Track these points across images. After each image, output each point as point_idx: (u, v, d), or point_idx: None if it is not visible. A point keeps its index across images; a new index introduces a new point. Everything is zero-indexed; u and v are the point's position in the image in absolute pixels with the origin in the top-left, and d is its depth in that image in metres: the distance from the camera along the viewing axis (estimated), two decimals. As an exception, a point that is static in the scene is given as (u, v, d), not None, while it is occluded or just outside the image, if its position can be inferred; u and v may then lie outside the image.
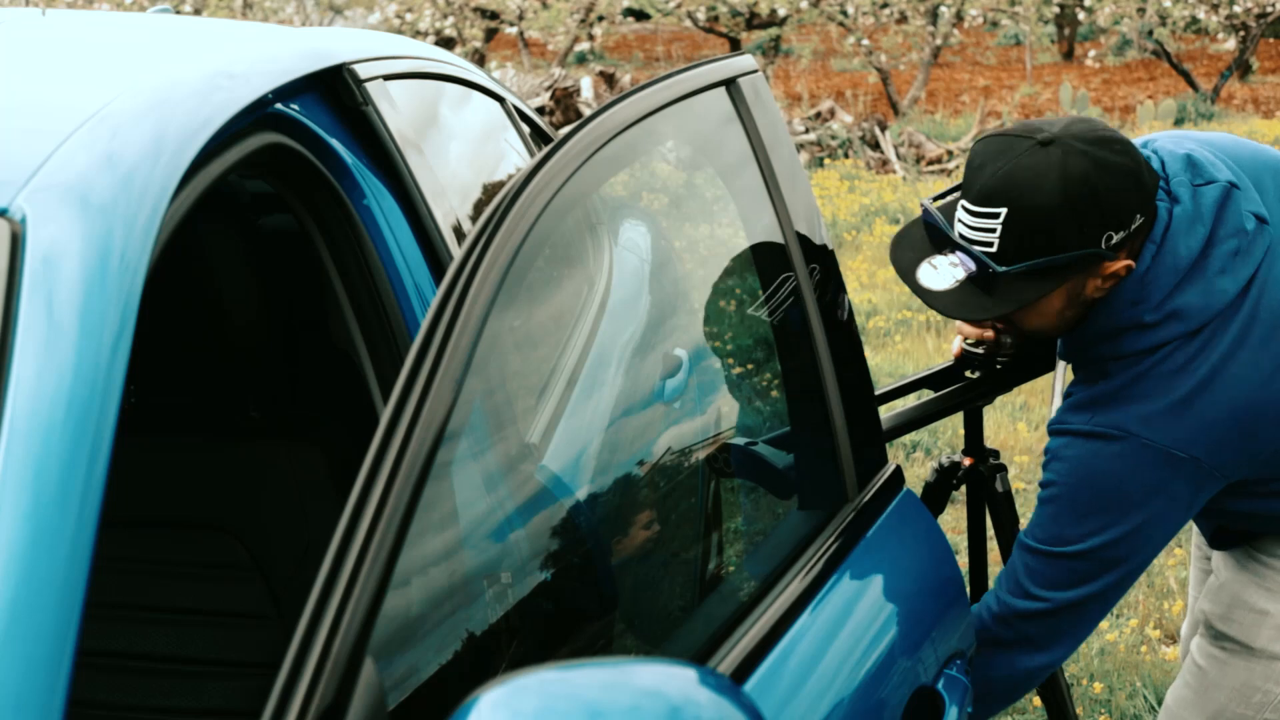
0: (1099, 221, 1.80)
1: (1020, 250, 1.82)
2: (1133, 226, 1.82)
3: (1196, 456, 1.88)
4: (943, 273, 1.92)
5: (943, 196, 2.00)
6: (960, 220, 1.88)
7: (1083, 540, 1.94)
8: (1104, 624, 3.72)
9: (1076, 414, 1.95)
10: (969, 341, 2.35)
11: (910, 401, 2.43)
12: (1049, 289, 1.85)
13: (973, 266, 1.87)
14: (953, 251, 1.90)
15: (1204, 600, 2.18)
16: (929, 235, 1.95)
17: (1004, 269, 1.84)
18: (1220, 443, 1.88)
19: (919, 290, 1.94)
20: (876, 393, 2.36)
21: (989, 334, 2.21)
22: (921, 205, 1.97)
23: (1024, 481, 4.79)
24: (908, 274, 1.95)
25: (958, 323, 2.35)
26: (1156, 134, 2.05)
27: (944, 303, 1.92)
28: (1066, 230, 1.80)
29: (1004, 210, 1.82)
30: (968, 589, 2.63)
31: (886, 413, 2.31)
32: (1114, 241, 1.81)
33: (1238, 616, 2.11)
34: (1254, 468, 1.94)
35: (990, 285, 1.86)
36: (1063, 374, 2.21)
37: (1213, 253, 1.87)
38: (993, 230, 1.83)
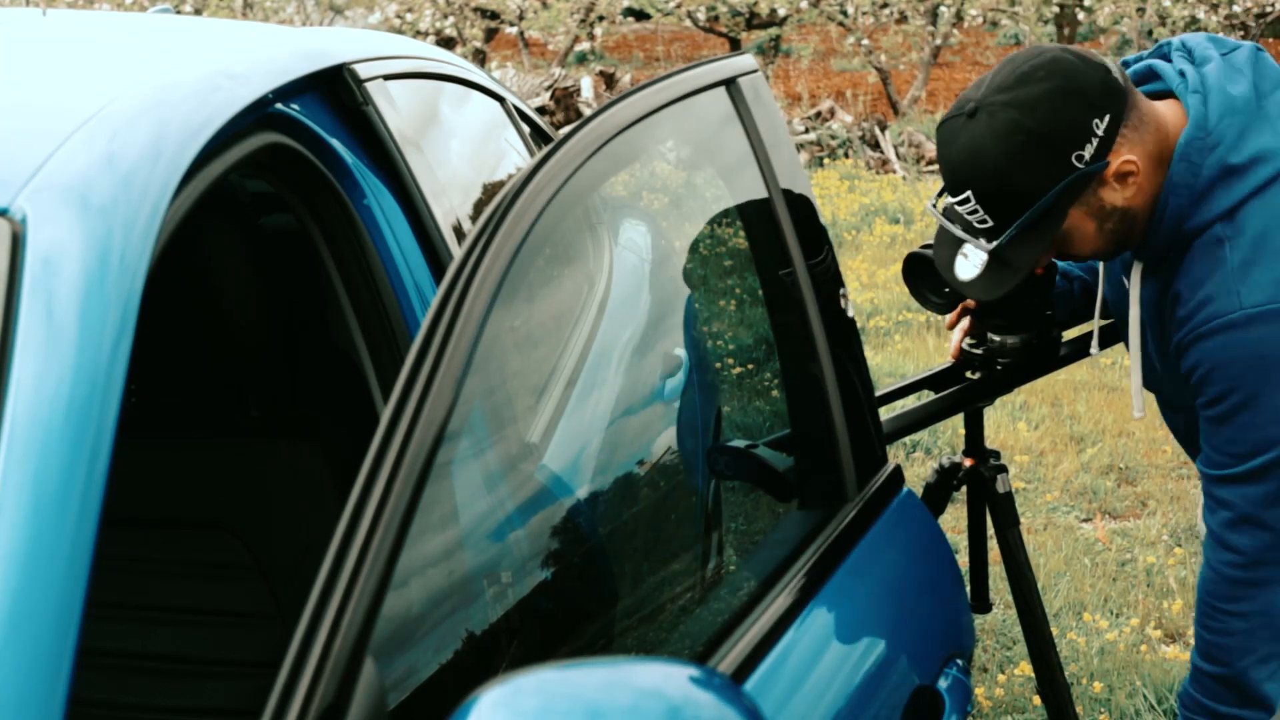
0: (1055, 153, 1.78)
1: (1006, 215, 1.82)
2: (1100, 130, 1.78)
3: None
4: (972, 259, 1.92)
5: (942, 194, 2.00)
6: (956, 211, 1.89)
7: None
8: (1104, 623, 3.72)
9: (1219, 305, 1.79)
10: (969, 342, 2.35)
11: (911, 403, 2.43)
12: (1055, 231, 1.84)
13: (986, 246, 1.87)
14: (972, 240, 1.90)
15: None
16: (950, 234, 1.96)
17: (997, 242, 1.83)
18: None
19: (958, 284, 1.94)
20: (877, 394, 2.37)
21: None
22: (930, 207, 1.97)
23: (1024, 481, 4.79)
24: (947, 270, 1.95)
25: (949, 320, 2.35)
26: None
27: (978, 290, 1.92)
28: (1030, 179, 1.79)
29: (969, 191, 1.83)
30: (968, 590, 2.63)
31: (887, 414, 2.32)
32: (1089, 155, 1.78)
33: None
34: None
35: (1004, 256, 1.86)
36: (1136, 287, 1.97)
37: (1265, 102, 1.83)
38: (975, 210, 1.84)
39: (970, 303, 2.30)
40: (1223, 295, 1.79)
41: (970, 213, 1.84)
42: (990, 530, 2.53)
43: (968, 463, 2.48)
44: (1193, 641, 1.98)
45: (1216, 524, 1.88)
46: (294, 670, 0.93)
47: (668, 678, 0.98)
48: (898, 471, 1.96)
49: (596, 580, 1.64)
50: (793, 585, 1.63)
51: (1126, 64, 2.00)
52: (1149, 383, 2.09)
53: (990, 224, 1.84)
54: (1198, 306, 1.82)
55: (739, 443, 2.02)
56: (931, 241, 2.19)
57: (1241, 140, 1.80)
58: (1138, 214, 1.86)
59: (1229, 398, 1.81)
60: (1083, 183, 1.80)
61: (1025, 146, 1.77)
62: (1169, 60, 1.94)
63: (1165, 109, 1.86)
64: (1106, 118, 1.78)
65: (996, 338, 2.31)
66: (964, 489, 2.52)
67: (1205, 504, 1.92)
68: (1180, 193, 1.82)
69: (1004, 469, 2.48)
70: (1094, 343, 2.21)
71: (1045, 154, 1.77)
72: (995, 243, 1.84)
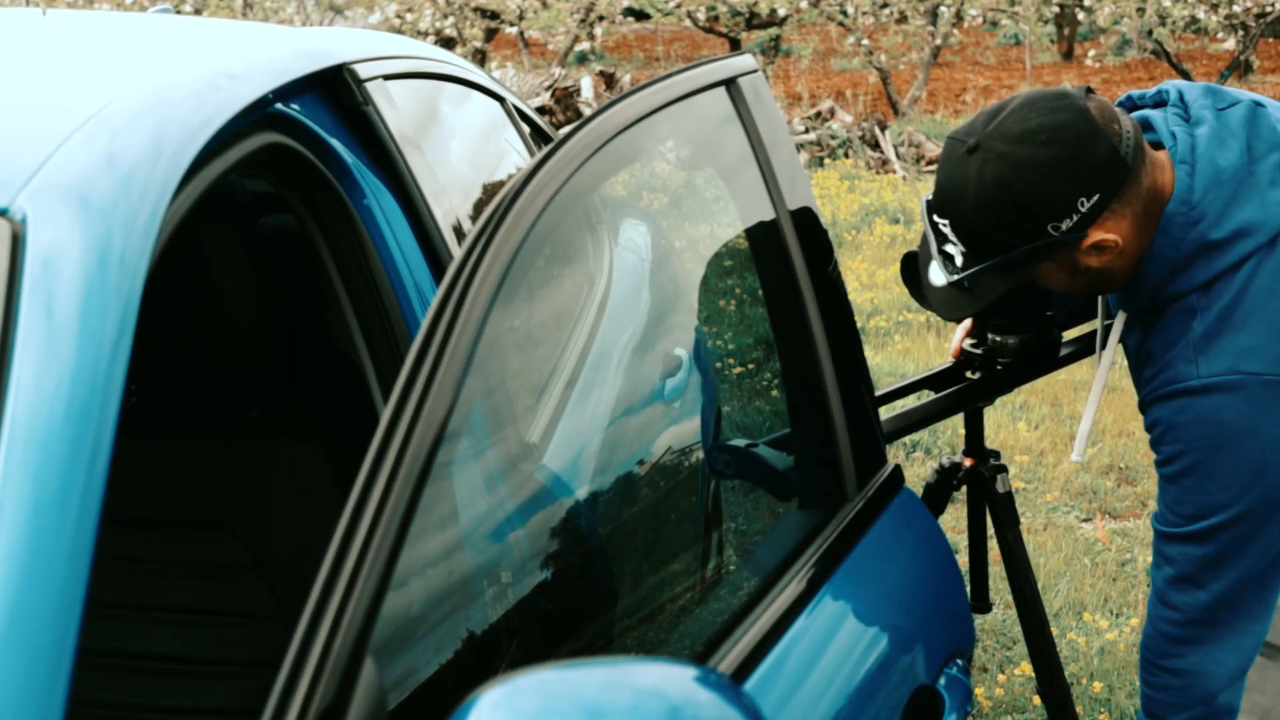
0: (1031, 219, 1.77)
1: (976, 253, 1.83)
2: (1084, 208, 1.77)
3: None
4: (937, 273, 1.93)
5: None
6: (937, 225, 1.90)
7: (1238, 500, 1.82)
8: (1104, 623, 3.72)
9: (1177, 372, 1.83)
10: (969, 342, 2.35)
11: (911, 402, 2.43)
12: (1021, 276, 1.85)
13: (948, 275, 1.88)
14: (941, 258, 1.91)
15: None
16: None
17: (955, 276, 1.85)
18: None
19: (927, 288, 1.95)
20: (877, 394, 2.37)
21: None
22: (923, 204, 1.97)
23: (1024, 481, 4.79)
24: (924, 266, 1.96)
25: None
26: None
27: (935, 301, 1.94)
28: (1001, 234, 1.79)
29: (948, 221, 1.84)
30: (967, 590, 2.63)
31: (887, 414, 2.32)
32: (1065, 228, 1.77)
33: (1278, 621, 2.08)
34: None
35: (966, 285, 1.87)
36: (1116, 333, 2.00)
37: (1257, 168, 1.82)
38: (951, 237, 1.85)
39: None
40: (1183, 363, 1.83)
41: (948, 234, 1.85)
42: (990, 530, 2.53)
43: (968, 463, 2.48)
44: None
45: (1160, 580, 1.93)
46: (294, 670, 0.93)
47: (668, 678, 0.98)
48: (898, 471, 1.96)
49: (596, 580, 1.64)
50: (793, 585, 1.63)
51: (1130, 100, 1.98)
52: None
53: (964, 251, 1.84)
54: (1160, 369, 1.86)
55: (739, 441, 2.02)
56: None
57: (1225, 214, 1.80)
58: (1114, 273, 1.87)
59: (1181, 459, 1.85)
60: (1056, 247, 1.80)
61: (1004, 205, 1.77)
62: (1164, 111, 1.91)
63: (1163, 167, 1.85)
64: (1095, 197, 1.77)
65: (997, 338, 2.31)
66: (964, 489, 2.52)
67: (1154, 558, 1.96)
68: (1160, 264, 1.83)
69: (1004, 469, 2.49)
70: (1098, 343, 2.21)
71: (1021, 217, 1.77)
72: (958, 275, 1.85)
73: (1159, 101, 1.95)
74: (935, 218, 1.87)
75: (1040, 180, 1.76)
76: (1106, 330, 2.23)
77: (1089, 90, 1.84)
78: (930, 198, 1.91)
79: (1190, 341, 1.83)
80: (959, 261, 1.85)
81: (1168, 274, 1.84)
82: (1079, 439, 2.09)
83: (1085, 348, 2.43)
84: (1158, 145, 1.88)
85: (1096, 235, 1.79)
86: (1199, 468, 1.84)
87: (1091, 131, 1.76)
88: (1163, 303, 1.87)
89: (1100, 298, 2.11)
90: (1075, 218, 1.77)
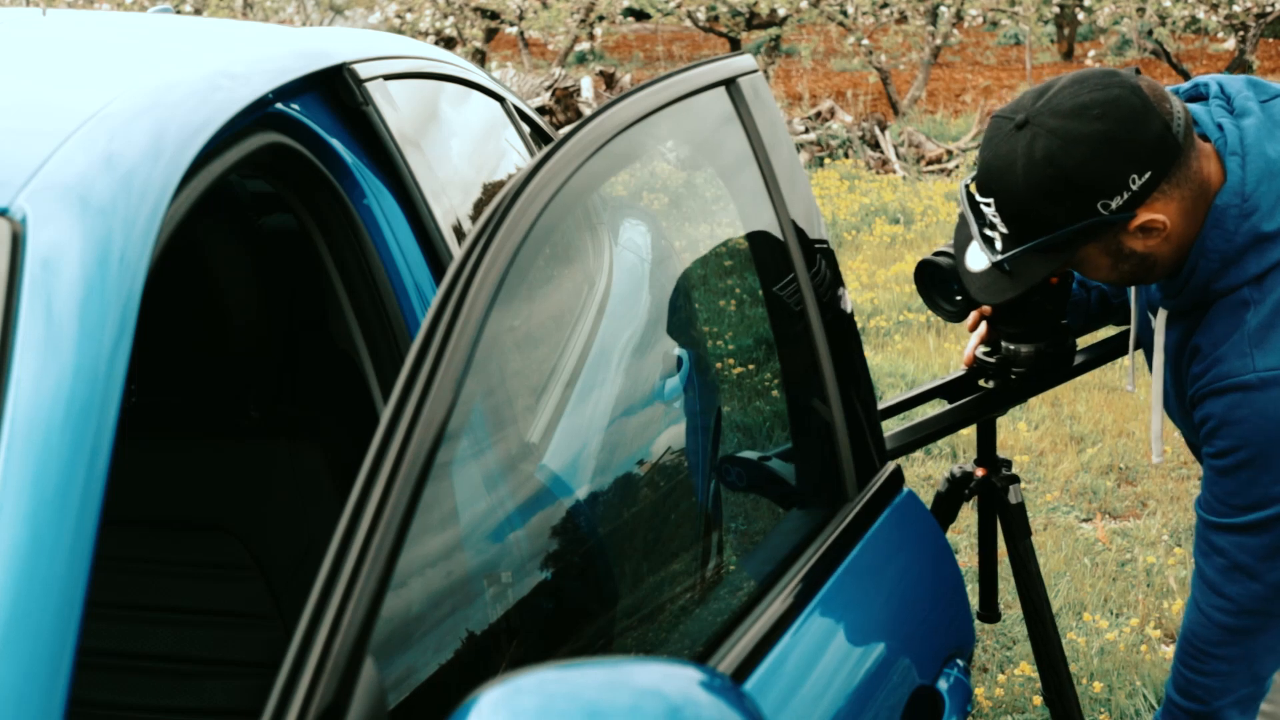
0: (1080, 196, 1.75)
1: (1020, 234, 1.81)
2: (1135, 186, 1.75)
3: None
4: (979, 258, 1.91)
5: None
6: (980, 206, 1.88)
7: None
8: (1104, 623, 3.72)
9: (1231, 366, 1.81)
10: (983, 350, 2.34)
11: (926, 411, 2.41)
12: (1066, 258, 1.83)
13: (992, 255, 1.85)
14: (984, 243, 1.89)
15: None
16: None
17: (998, 258, 1.83)
18: None
19: (964, 273, 1.93)
20: (891, 403, 2.36)
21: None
22: (961, 188, 1.95)
23: (1024, 481, 4.79)
24: (960, 252, 1.94)
25: (969, 324, 2.34)
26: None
27: (975, 286, 1.91)
28: (1048, 212, 1.77)
29: (992, 199, 1.81)
30: (977, 601, 2.63)
31: (900, 425, 2.31)
32: (1115, 206, 1.75)
33: None
34: None
35: (1008, 268, 1.85)
36: (1161, 332, 1.97)
37: None
38: (995, 217, 1.82)
39: (986, 309, 2.28)
40: (1237, 356, 1.80)
41: (991, 216, 1.83)
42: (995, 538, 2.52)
43: (980, 472, 2.47)
44: None
45: (1211, 570, 1.91)
46: (294, 670, 0.93)
47: (668, 678, 0.98)
48: (898, 472, 1.96)
49: (596, 580, 1.64)
50: (793, 585, 1.63)
51: None
52: (1168, 407, 2.08)
53: (1006, 233, 1.82)
54: (1212, 364, 1.83)
55: (750, 454, 2.01)
56: (942, 247, 2.19)
57: (1278, 206, 1.78)
58: (1158, 260, 1.84)
59: (1237, 453, 1.83)
60: (1103, 227, 1.78)
61: (1054, 180, 1.74)
62: (1206, 101, 1.90)
63: (1209, 157, 1.83)
64: (1147, 175, 1.75)
65: (1010, 346, 2.29)
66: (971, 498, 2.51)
67: (1198, 546, 1.93)
68: (1212, 257, 1.81)
69: (1016, 479, 2.46)
70: (1130, 343, 2.17)
71: (1070, 194, 1.75)
72: (1001, 256, 1.83)
73: (1196, 96, 1.93)
74: (979, 198, 1.84)
75: (1091, 156, 1.73)
76: (1133, 334, 2.22)
77: (1137, 70, 1.82)
78: (971, 179, 1.88)
79: (1244, 335, 1.80)
80: (1001, 244, 1.83)
81: (1219, 267, 1.82)
82: (1154, 440, 2.08)
83: (1099, 356, 2.42)
84: (1201, 138, 1.85)
85: (1145, 215, 1.77)
86: (1256, 461, 1.82)
87: (1144, 108, 1.74)
88: (1212, 296, 1.84)
89: (1133, 299, 2.09)
90: (1125, 195, 1.75)
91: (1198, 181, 1.79)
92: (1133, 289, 2.10)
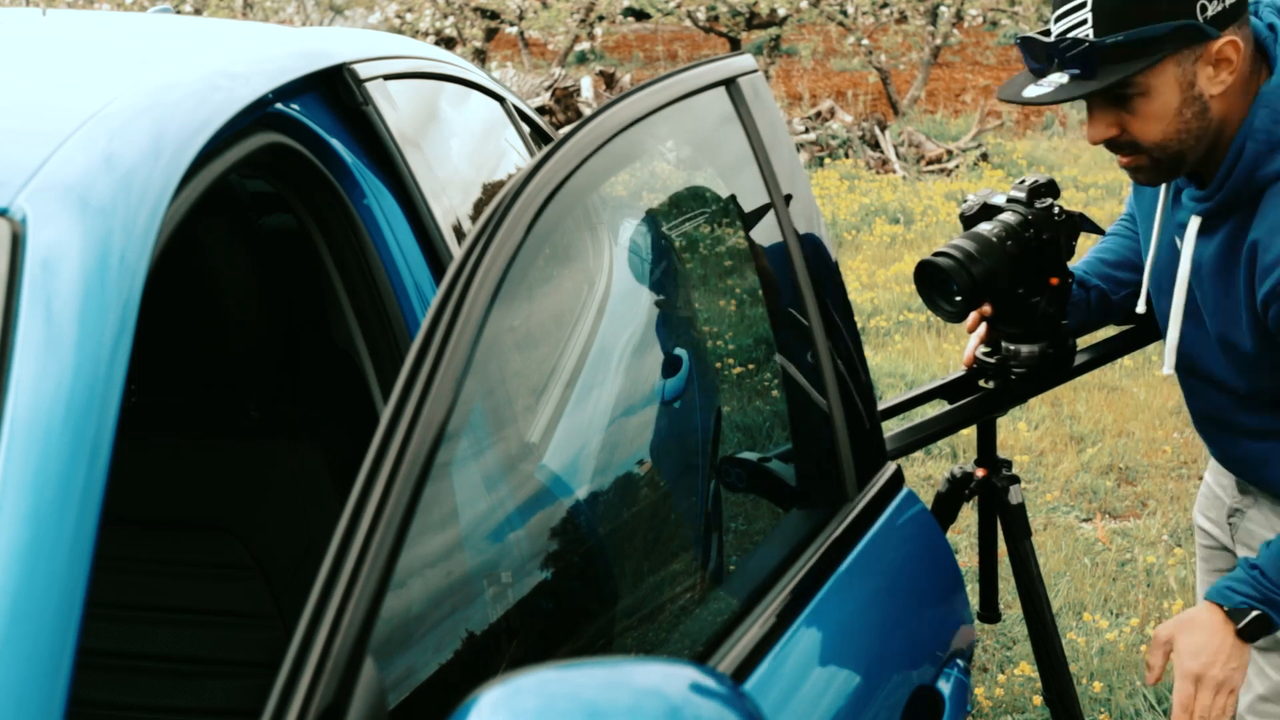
0: None
1: (1114, 22, 1.81)
2: (1228, 3, 1.79)
3: None
4: (1045, 84, 1.89)
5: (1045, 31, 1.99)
6: (1053, 33, 1.87)
7: None
8: (1104, 623, 3.72)
9: None
10: (983, 350, 2.34)
11: (926, 411, 2.41)
12: (1152, 62, 1.82)
13: (1075, 70, 1.84)
14: (1057, 71, 1.87)
15: None
16: (1031, 70, 1.93)
17: (1100, 39, 1.81)
18: None
19: (1023, 101, 1.91)
20: (891, 403, 2.36)
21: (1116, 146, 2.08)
22: (1017, 38, 1.95)
23: (1024, 481, 4.79)
24: (1015, 95, 1.92)
25: (969, 325, 2.33)
26: None
27: (1049, 98, 1.89)
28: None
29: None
30: (978, 601, 2.63)
31: (900, 426, 2.31)
32: (1211, 13, 1.79)
33: None
34: None
35: (1092, 70, 1.84)
36: (1191, 240, 1.97)
37: None
38: (1084, 19, 1.82)
39: (987, 309, 2.28)
40: None
41: (1076, 22, 1.83)
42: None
43: (980, 473, 2.47)
44: None
45: None
46: (294, 670, 0.93)
47: (668, 678, 0.98)
48: (898, 472, 1.96)
49: (596, 580, 1.64)
50: (792, 585, 1.63)
51: None
52: (1183, 359, 2.08)
53: (1089, 41, 1.81)
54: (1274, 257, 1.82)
55: (750, 455, 2.01)
56: (942, 247, 2.20)
57: None
58: (1212, 123, 1.86)
59: None
60: (1190, 37, 1.80)
61: None
62: (1258, 17, 1.94)
63: (1257, 57, 1.87)
64: None
65: (1011, 346, 2.29)
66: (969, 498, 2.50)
67: None
68: (1259, 138, 1.84)
69: (1016, 479, 2.46)
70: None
71: None
72: (1100, 39, 1.81)
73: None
74: (1066, 5, 1.84)
75: None
76: (1130, 336, 2.20)
77: None
78: (1048, 26, 1.88)
79: None
80: (1089, 33, 1.82)
81: (1266, 150, 1.84)
82: (1167, 352, 2.06)
83: (1100, 356, 2.42)
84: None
85: (1226, 38, 1.80)
86: None
87: None
88: (1258, 183, 1.86)
89: (1157, 220, 2.06)
90: (1220, 7, 1.78)
91: (1249, 57, 1.84)
92: (1158, 210, 2.09)
